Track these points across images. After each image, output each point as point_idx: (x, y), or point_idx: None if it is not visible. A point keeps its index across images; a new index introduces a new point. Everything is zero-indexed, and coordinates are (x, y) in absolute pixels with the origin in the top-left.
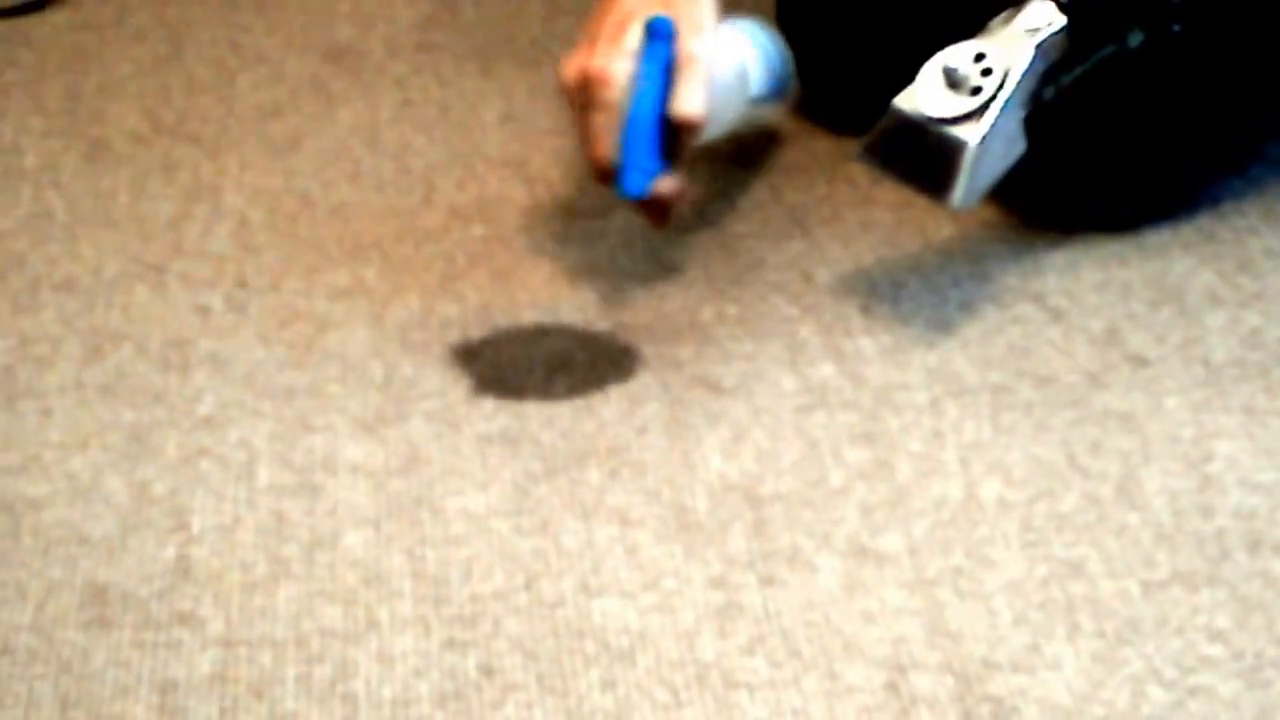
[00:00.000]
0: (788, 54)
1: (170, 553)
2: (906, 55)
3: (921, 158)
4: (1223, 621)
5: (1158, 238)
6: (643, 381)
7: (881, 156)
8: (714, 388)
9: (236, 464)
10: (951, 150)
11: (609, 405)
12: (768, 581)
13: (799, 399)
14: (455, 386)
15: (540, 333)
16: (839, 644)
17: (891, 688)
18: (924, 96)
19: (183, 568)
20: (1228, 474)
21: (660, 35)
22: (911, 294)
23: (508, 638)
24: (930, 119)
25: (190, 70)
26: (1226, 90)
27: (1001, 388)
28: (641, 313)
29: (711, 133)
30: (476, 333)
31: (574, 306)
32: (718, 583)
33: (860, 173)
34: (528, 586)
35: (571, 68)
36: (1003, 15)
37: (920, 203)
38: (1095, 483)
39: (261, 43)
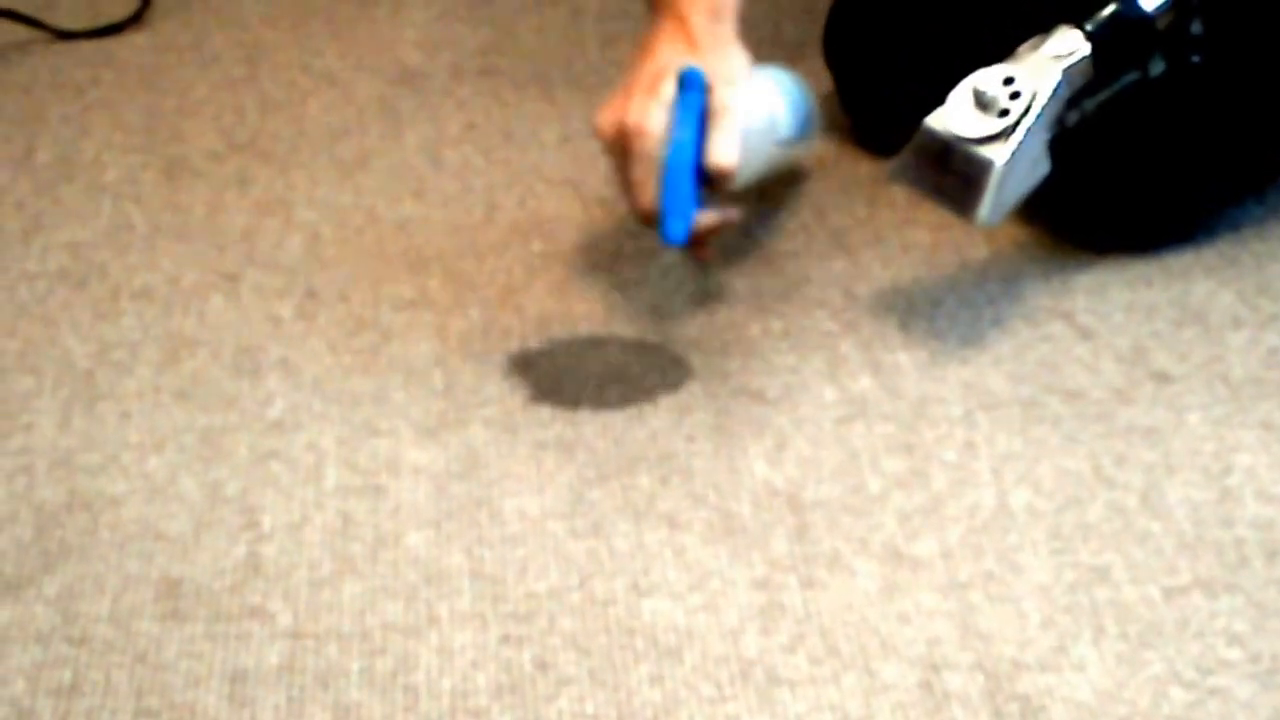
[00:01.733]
0: (812, 97)
1: (241, 549)
2: (946, 82)
3: (950, 176)
4: (1240, 626)
5: (1181, 261)
6: (691, 392)
7: (912, 174)
8: (759, 398)
9: (305, 466)
10: (979, 169)
11: (659, 414)
12: (808, 583)
13: (839, 410)
14: (513, 394)
15: (595, 344)
16: (876, 643)
17: (925, 685)
18: (954, 117)
19: (253, 564)
20: (1246, 486)
21: (693, 86)
22: (948, 311)
23: (561, 634)
24: (959, 138)
25: (264, 91)
26: (1246, 114)
27: (1032, 402)
28: (691, 326)
29: (744, 178)
30: (534, 343)
31: (627, 320)
32: (761, 584)
33: (900, 196)
34: (581, 585)
35: (608, 119)
36: (1031, 41)
37: (957, 226)
38: (1120, 493)
39: (332, 65)
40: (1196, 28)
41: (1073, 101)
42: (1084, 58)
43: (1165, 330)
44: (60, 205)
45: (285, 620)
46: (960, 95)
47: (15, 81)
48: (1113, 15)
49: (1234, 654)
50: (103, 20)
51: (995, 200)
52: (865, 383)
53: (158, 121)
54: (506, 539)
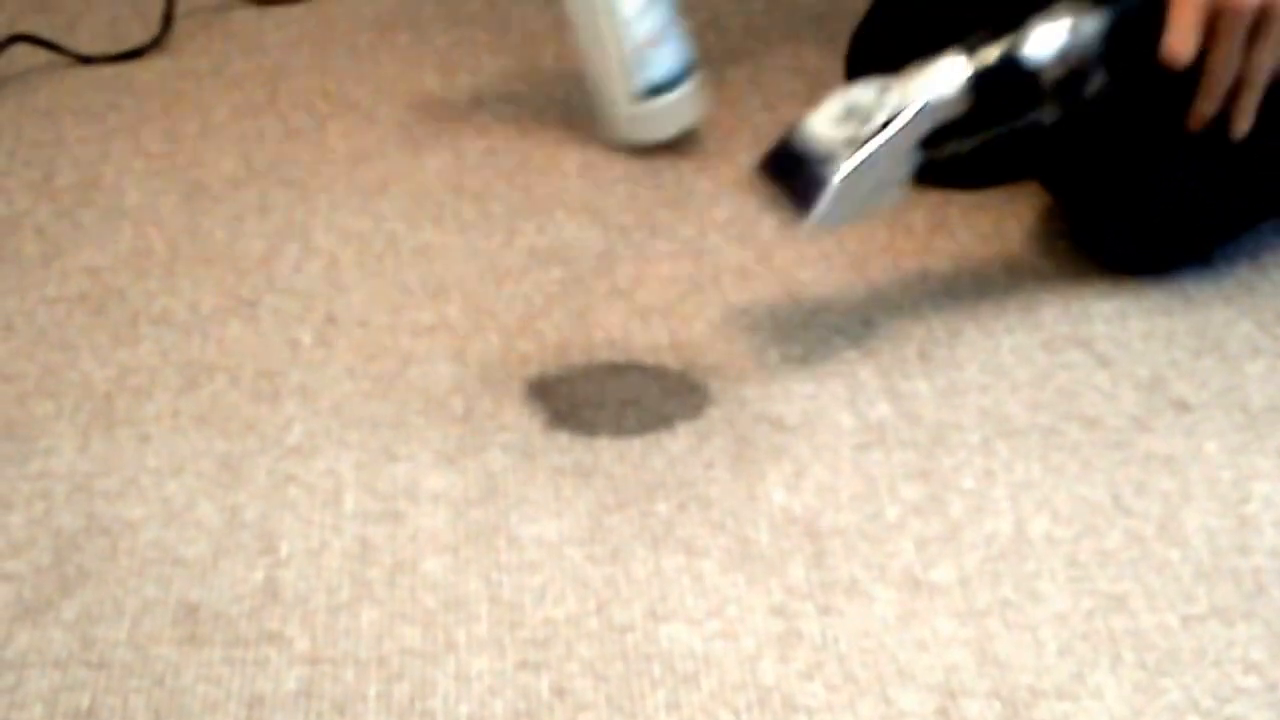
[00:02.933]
0: None
1: (259, 575)
2: None
3: (798, 177)
4: (1258, 654)
5: (1200, 289)
6: (710, 418)
7: (768, 171)
8: (778, 425)
9: (323, 491)
10: (819, 174)
11: (677, 441)
12: (826, 610)
13: (858, 437)
14: (532, 420)
15: (614, 371)
16: (893, 670)
17: (942, 713)
18: (815, 121)
19: (271, 589)
20: (1264, 514)
21: None
22: (966, 339)
23: (579, 660)
24: (812, 142)
25: (284, 116)
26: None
27: (1050, 429)
28: (709, 353)
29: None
30: (553, 370)
31: (646, 346)
32: (778, 611)
33: (919, 222)
34: (598, 612)
35: None
36: (921, 61)
37: (976, 253)
38: (1138, 521)
39: (353, 91)
40: (1097, 82)
41: (948, 132)
42: (959, 90)
43: (1184, 359)
44: (80, 229)
45: (303, 645)
46: (830, 100)
47: (36, 106)
48: (998, 62)
49: (1251, 682)
50: (123, 45)
51: (829, 208)
52: (884, 410)
53: (178, 146)
54: (524, 565)
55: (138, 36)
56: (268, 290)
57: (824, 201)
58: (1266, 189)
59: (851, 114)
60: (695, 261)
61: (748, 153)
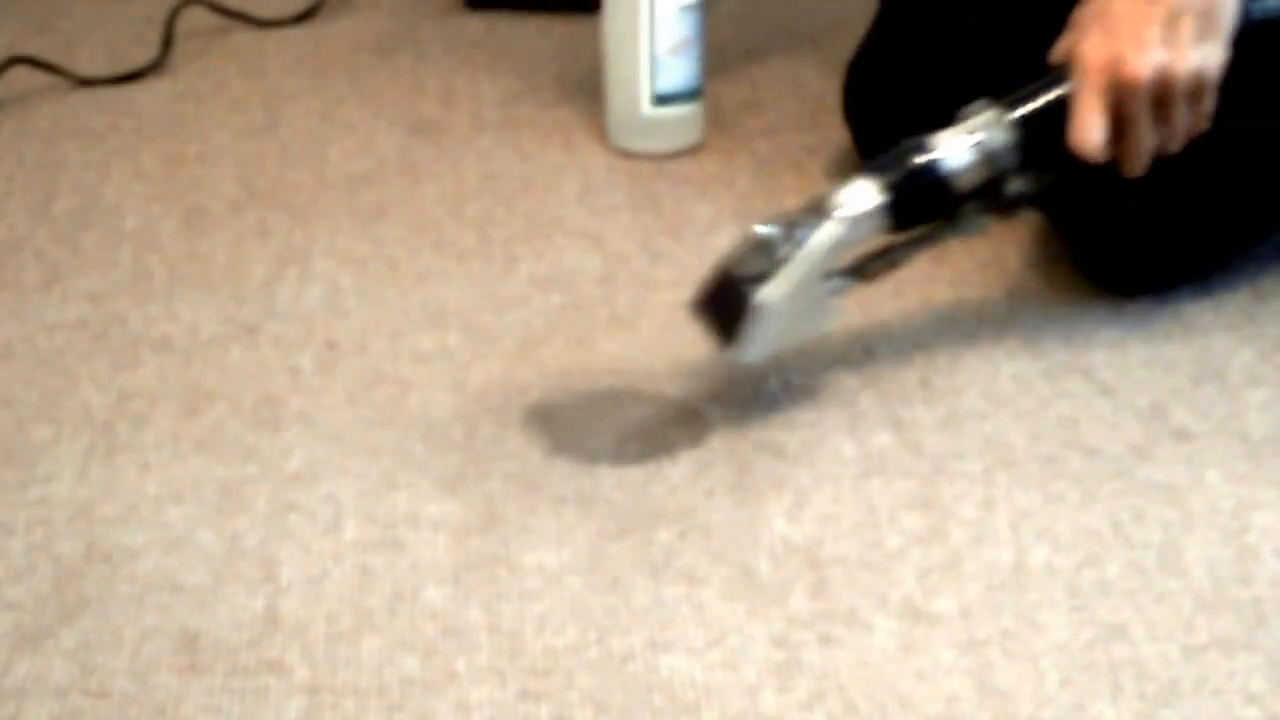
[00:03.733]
0: None
1: (260, 603)
2: None
3: (726, 309)
4: (1258, 685)
5: (1201, 317)
6: (711, 447)
7: (701, 306)
8: (778, 454)
9: (324, 519)
10: (741, 305)
11: (678, 469)
12: (827, 640)
13: (858, 465)
14: (533, 448)
15: (614, 398)
16: (894, 701)
17: None
18: (735, 254)
19: (271, 617)
20: (1265, 544)
21: None
22: (967, 367)
23: (579, 690)
24: (734, 275)
25: (284, 140)
26: (1251, 158)
27: (1051, 458)
28: (710, 381)
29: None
30: (554, 397)
31: (646, 374)
32: (779, 641)
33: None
34: (599, 641)
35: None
36: (833, 188)
37: (976, 280)
38: (1139, 551)
39: (353, 114)
40: (1018, 183)
41: (879, 251)
42: (873, 210)
43: (1184, 387)
44: (80, 254)
45: (303, 674)
46: (750, 234)
47: (35, 129)
48: (910, 173)
49: (1251, 713)
50: (123, 67)
51: (757, 336)
52: (884, 439)
53: (178, 169)
54: (525, 594)
55: (137, 58)
56: (268, 316)
57: (751, 335)
58: (1262, 208)
59: (767, 246)
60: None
61: (747, 180)
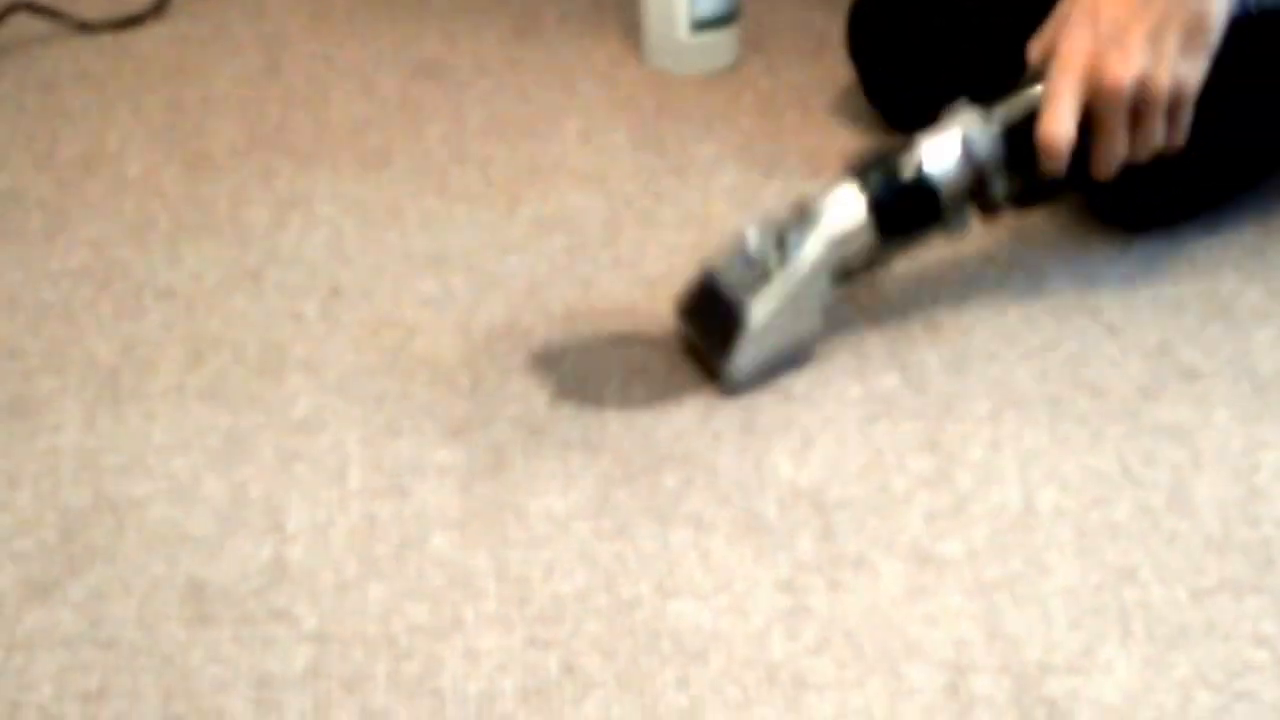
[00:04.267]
0: None
1: (266, 552)
2: (970, 71)
3: (714, 322)
4: (1268, 627)
5: (1209, 255)
6: (717, 389)
7: (687, 314)
8: (785, 396)
9: (329, 467)
10: (731, 321)
11: (684, 412)
12: (834, 585)
13: (865, 408)
14: (538, 393)
15: (619, 341)
16: (901, 646)
17: (951, 689)
18: (723, 266)
19: (278, 566)
20: (1274, 484)
21: None
22: (973, 308)
23: (587, 637)
24: (725, 287)
25: (286, 84)
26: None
27: (1058, 399)
28: None
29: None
30: (558, 341)
31: (652, 316)
32: (786, 586)
33: None
34: (606, 587)
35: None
36: (816, 193)
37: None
38: (1147, 492)
39: (354, 58)
40: (1002, 185)
41: (865, 256)
42: (861, 222)
43: (1192, 326)
44: (83, 202)
45: (311, 624)
46: (735, 243)
47: (36, 76)
48: (896, 181)
49: (1261, 656)
50: (123, 12)
51: (749, 354)
52: (891, 380)
53: (180, 115)
54: (532, 540)
55: (138, 3)
56: (271, 262)
57: (743, 349)
58: (1268, 144)
59: (757, 258)
60: (700, 229)
61: (751, 117)
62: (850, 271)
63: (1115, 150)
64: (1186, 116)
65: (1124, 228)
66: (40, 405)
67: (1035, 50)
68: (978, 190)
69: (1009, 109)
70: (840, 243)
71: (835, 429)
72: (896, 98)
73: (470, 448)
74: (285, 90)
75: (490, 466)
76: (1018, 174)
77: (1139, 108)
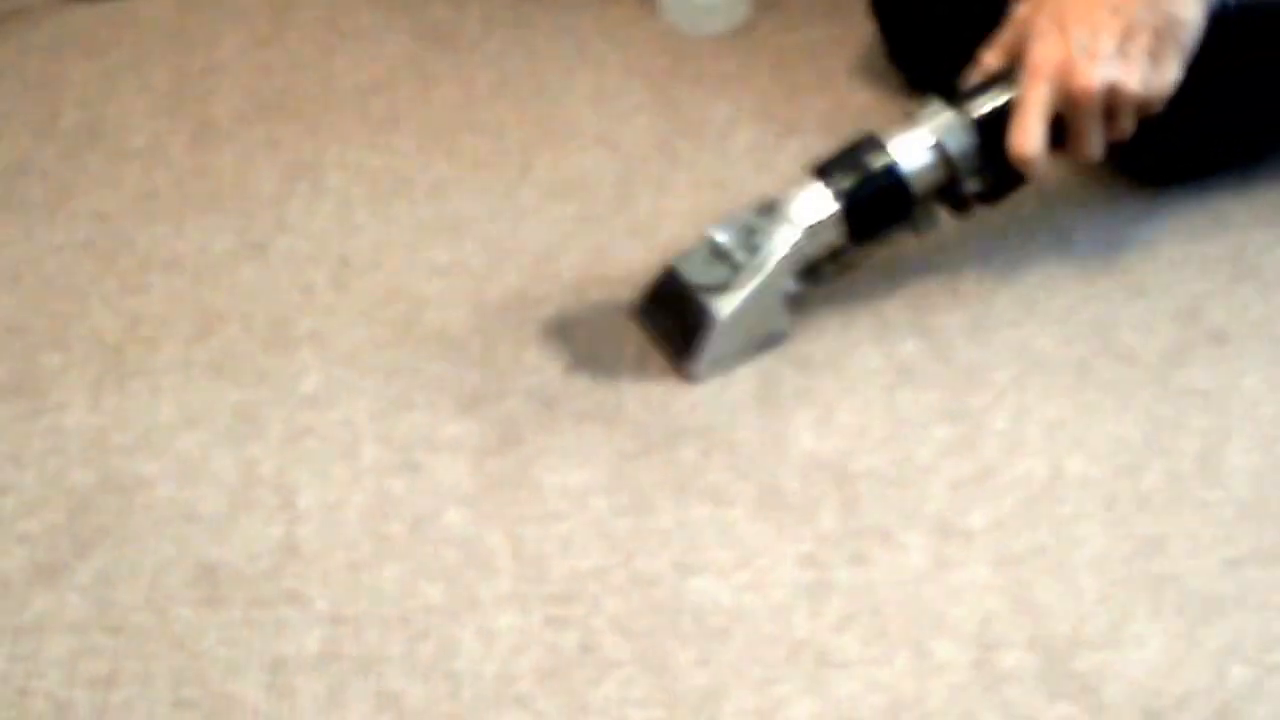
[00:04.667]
0: None
1: (278, 531)
2: (989, 29)
3: (677, 320)
4: None
5: (1235, 213)
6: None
7: (648, 313)
8: (804, 364)
9: (340, 442)
10: (701, 318)
11: (700, 383)
12: (857, 559)
13: (886, 376)
14: (552, 364)
15: (635, 309)
16: (928, 621)
17: (980, 665)
18: (691, 262)
19: (290, 546)
20: None
21: None
22: (995, 270)
23: (606, 615)
24: (690, 284)
25: (291, 48)
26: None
27: (1084, 364)
28: None
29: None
30: (572, 310)
31: None
32: (808, 560)
33: None
34: (625, 564)
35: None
36: (785, 192)
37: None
38: (1176, 459)
39: (360, 20)
40: (973, 185)
41: (831, 255)
42: (831, 217)
43: (1220, 286)
44: (86, 173)
45: (324, 605)
46: (703, 240)
47: (37, 43)
48: (867, 180)
49: None
50: None
51: (713, 351)
52: (912, 346)
53: (184, 82)
54: (547, 516)
55: None
56: (279, 232)
57: (708, 346)
58: None
59: (723, 254)
60: (715, 193)
61: (767, 76)
62: (818, 269)
63: (1092, 145)
64: (1159, 107)
65: (1149, 183)
66: (45, 383)
67: (991, 56)
68: (948, 188)
69: (981, 108)
70: (808, 241)
71: (856, 398)
72: (919, 57)
73: (483, 421)
74: (290, 55)
75: (504, 440)
76: (989, 172)
77: (1110, 110)
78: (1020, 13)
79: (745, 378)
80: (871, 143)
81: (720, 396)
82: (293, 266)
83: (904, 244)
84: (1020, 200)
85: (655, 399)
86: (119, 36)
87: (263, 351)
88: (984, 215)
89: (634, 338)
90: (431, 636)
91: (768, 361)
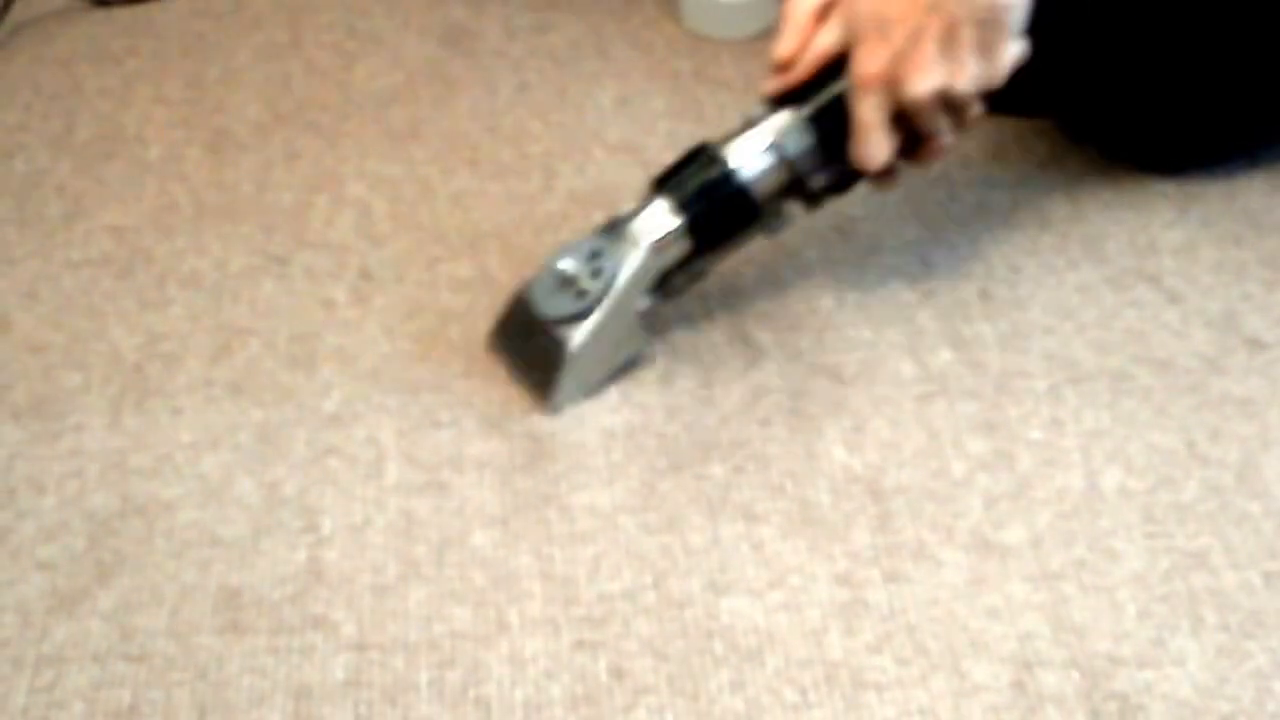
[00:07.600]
0: None
1: (301, 554)
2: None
3: (531, 351)
4: None
5: (1271, 215)
6: (764, 371)
7: (502, 343)
8: (835, 377)
9: (365, 462)
10: (553, 350)
11: (730, 396)
12: (892, 577)
13: (919, 387)
14: None
15: (660, 322)
16: (965, 641)
17: (1018, 685)
18: (538, 292)
19: (314, 570)
20: None
21: None
22: (1029, 277)
23: (637, 638)
24: (539, 316)
25: (309, 56)
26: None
27: (1120, 373)
28: (760, 300)
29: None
30: None
31: (693, 294)
32: (843, 579)
33: (976, 152)
34: (656, 585)
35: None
36: (627, 211)
37: (1036, 183)
38: (1215, 470)
39: (379, 26)
40: (820, 180)
41: (681, 265)
42: (675, 231)
43: (1257, 292)
44: (102, 186)
45: (349, 630)
46: (547, 270)
47: (52, 54)
48: (704, 189)
49: None
50: None
51: (571, 382)
52: (945, 357)
53: (200, 92)
54: (576, 536)
55: None
56: (299, 246)
57: (564, 377)
58: None
59: (569, 282)
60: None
61: None
62: (669, 281)
63: (937, 146)
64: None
65: (1169, 173)
66: (63, 404)
67: (782, 46)
68: (794, 186)
69: (817, 105)
70: (654, 259)
71: (889, 410)
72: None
73: (509, 439)
74: (308, 63)
75: (531, 458)
76: (832, 166)
77: (948, 104)
78: (845, 11)
79: (775, 391)
80: (708, 152)
81: (750, 411)
82: (314, 281)
83: (934, 251)
84: (1051, 207)
85: (684, 414)
86: (134, 46)
87: (284, 370)
88: (1015, 221)
89: (662, 351)
90: (459, 662)
91: (798, 373)
